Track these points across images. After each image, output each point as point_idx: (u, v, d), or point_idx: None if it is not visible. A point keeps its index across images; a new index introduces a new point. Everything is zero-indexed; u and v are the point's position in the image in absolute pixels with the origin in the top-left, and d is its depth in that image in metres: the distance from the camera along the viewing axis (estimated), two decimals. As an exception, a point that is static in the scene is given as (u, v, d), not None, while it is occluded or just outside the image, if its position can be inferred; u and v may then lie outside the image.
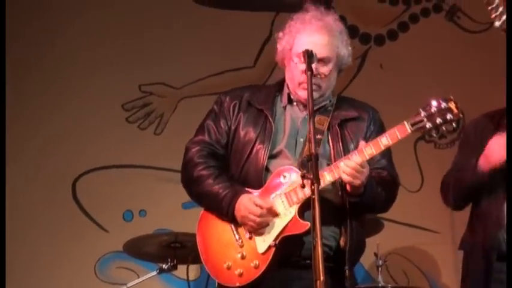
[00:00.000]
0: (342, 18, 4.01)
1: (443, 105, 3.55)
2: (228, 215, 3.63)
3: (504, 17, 2.67)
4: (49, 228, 5.96)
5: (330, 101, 3.79)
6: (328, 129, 3.71)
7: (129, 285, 5.19)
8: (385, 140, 3.56)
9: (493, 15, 2.69)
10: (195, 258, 5.23)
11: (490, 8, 2.68)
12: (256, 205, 3.56)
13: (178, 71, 6.28)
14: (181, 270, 5.39)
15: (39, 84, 6.17)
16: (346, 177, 3.53)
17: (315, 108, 3.67)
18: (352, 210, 3.66)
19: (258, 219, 3.56)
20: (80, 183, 6.09)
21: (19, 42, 6.02)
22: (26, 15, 6.17)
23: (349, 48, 3.77)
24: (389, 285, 5.41)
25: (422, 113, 3.55)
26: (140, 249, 5.28)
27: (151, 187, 6.11)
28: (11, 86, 5.25)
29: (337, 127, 3.71)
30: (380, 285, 5.20)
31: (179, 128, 6.12)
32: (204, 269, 5.92)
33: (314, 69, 3.59)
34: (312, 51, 3.54)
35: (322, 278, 3.08)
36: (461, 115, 3.56)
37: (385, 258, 5.46)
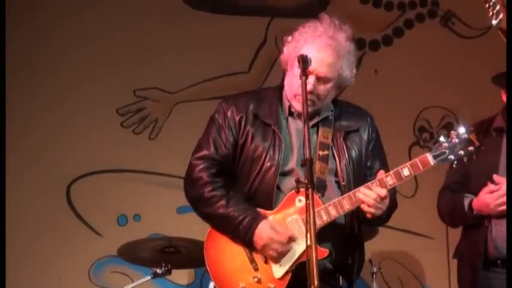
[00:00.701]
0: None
1: (465, 136, 3.56)
2: (246, 240, 3.56)
3: (501, 16, 2.65)
4: (43, 233, 5.95)
5: (333, 111, 3.73)
6: (332, 140, 3.67)
7: (123, 289, 5.19)
8: (406, 171, 3.56)
9: (490, 13, 2.67)
10: (191, 263, 5.27)
11: (487, 5, 2.66)
12: (278, 233, 3.52)
13: (172, 75, 6.28)
14: (175, 274, 5.39)
15: (34, 89, 6.15)
16: (368, 209, 3.52)
17: (318, 119, 3.68)
18: (361, 229, 3.71)
19: (280, 249, 3.53)
20: (74, 188, 6.08)
21: (14, 48, 5.99)
22: (18, 23, 6.14)
23: (354, 70, 3.69)
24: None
25: (444, 144, 3.55)
26: (134, 254, 5.26)
27: (145, 192, 6.10)
28: (8, 91, 5.24)
29: (342, 140, 3.67)
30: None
31: (174, 132, 6.13)
32: (198, 274, 5.98)
33: (311, 85, 3.54)
34: (307, 56, 3.49)
35: (316, 282, 3.07)
36: (482, 148, 3.58)
37: (379, 266, 5.46)
